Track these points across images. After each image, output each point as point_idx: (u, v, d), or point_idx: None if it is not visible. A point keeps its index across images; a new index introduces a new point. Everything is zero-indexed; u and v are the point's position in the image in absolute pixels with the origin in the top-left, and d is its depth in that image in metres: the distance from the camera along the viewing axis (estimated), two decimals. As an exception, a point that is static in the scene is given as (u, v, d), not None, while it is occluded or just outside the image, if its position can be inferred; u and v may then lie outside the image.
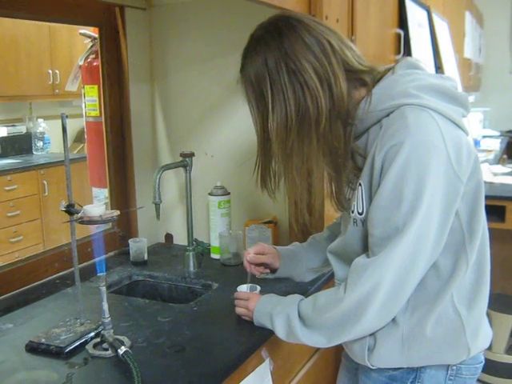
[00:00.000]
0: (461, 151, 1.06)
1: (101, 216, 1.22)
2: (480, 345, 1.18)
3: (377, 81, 1.16)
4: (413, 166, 1.02)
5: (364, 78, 1.16)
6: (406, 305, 1.12)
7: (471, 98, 5.20)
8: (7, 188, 4.27)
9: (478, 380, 1.34)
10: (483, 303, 1.17)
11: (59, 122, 1.25)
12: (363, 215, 1.13)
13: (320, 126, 1.11)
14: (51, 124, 4.98)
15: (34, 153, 4.97)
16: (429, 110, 1.07)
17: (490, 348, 2.85)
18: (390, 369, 1.19)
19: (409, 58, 1.21)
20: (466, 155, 1.07)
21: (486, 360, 1.28)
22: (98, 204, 1.55)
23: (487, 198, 1.17)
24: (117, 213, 1.24)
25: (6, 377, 1.14)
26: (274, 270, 1.49)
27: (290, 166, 1.16)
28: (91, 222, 1.22)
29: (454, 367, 1.18)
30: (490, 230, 1.21)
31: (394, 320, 1.13)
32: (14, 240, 4.28)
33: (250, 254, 1.44)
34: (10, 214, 4.28)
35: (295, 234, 1.76)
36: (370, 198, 1.10)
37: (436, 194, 1.03)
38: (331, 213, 1.64)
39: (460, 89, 1.21)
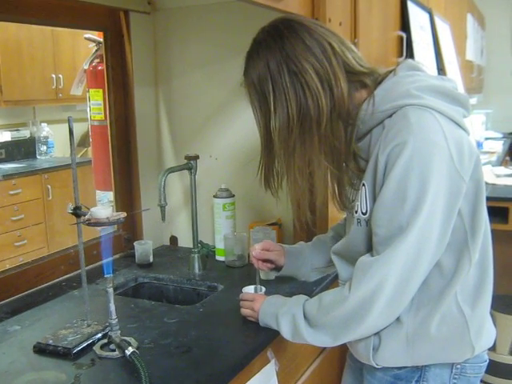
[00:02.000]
0: (462, 150, 1.07)
1: (108, 218, 1.22)
2: (484, 343, 1.19)
3: (378, 83, 1.17)
4: (416, 165, 1.03)
5: (364, 80, 1.17)
6: (410, 304, 1.13)
7: (473, 100, 5.20)
8: (11, 192, 4.29)
9: (482, 381, 1.34)
10: (487, 302, 1.18)
11: (62, 126, 1.26)
12: (367, 215, 1.13)
13: (321, 127, 1.13)
14: (55, 128, 4.99)
15: (38, 157, 4.99)
16: (431, 110, 1.08)
17: (494, 349, 2.85)
18: (394, 368, 1.20)
19: (409, 60, 1.22)
20: (468, 154, 1.08)
21: (490, 361, 1.28)
22: (105, 206, 1.56)
23: (490, 199, 1.18)
24: (124, 215, 1.25)
25: (15, 378, 1.15)
26: (278, 268, 1.49)
27: (292, 166, 1.17)
28: (98, 223, 1.22)
29: (459, 366, 1.18)
30: (493, 232, 1.21)
31: (398, 319, 1.14)
32: (18, 244, 4.29)
33: (256, 250, 1.45)
34: (14, 218, 4.29)
35: (300, 235, 1.77)
36: (374, 198, 1.11)
37: (439, 192, 1.04)
38: (335, 213, 1.65)
39: (460, 90, 1.22)
